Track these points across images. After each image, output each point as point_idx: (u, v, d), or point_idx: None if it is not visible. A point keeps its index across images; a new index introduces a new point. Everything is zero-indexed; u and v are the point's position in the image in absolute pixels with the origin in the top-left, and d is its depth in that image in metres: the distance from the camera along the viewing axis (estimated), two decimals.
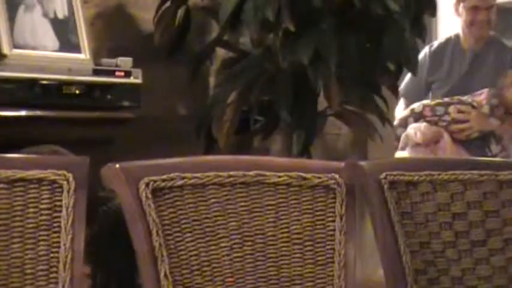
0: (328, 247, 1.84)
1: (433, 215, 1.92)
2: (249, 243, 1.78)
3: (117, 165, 1.69)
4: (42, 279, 1.61)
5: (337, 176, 1.86)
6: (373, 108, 3.08)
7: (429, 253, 1.90)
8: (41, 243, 1.61)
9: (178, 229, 1.72)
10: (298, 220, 1.82)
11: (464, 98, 3.87)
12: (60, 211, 1.62)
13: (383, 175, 1.89)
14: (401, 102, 3.95)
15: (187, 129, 3.12)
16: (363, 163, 1.92)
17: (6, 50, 2.70)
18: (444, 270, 1.91)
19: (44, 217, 1.62)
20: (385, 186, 1.88)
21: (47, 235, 1.61)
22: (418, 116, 3.86)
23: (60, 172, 1.63)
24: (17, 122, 2.68)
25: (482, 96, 3.87)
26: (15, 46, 2.72)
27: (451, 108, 3.84)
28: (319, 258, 1.83)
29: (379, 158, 2.98)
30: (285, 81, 2.99)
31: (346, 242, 1.84)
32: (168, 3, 3.14)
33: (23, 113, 2.71)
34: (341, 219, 1.85)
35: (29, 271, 1.60)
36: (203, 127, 3.08)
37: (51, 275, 1.61)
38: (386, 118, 3.11)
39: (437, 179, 1.93)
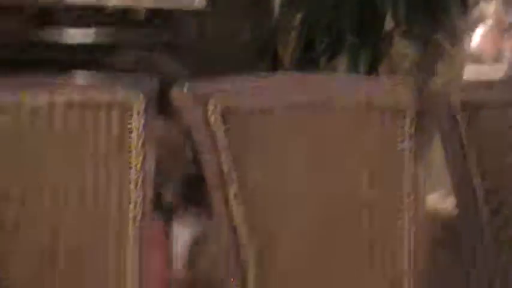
0: (397, 168, 1.82)
1: (504, 136, 1.89)
2: (318, 165, 1.77)
3: (186, 85, 1.69)
4: (115, 201, 1.63)
5: (406, 96, 1.83)
6: (442, 28, 3.02)
7: (500, 174, 1.88)
8: (112, 164, 1.63)
9: (246, 151, 1.72)
10: (366, 142, 1.81)
11: None
12: (131, 132, 1.63)
13: (453, 96, 1.86)
14: None
15: (251, 52, 3.11)
16: (432, 84, 1.89)
17: None
18: None
19: (114, 139, 1.63)
20: (456, 108, 1.85)
21: (118, 157, 1.63)
22: None
23: (129, 93, 1.63)
24: (83, 48, 2.69)
25: None
26: None
27: None
28: (388, 179, 1.82)
29: (447, 79, 2.93)
30: (351, 1, 2.95)
31: (415, 164, 1.82)
32: None
33: (89, 38, 2.72)
34: (410, 139, 1.83)
35: (102, 192, 1.62)
36: (268, 49, 3.06)
37: (124, 196, 1.63)
38: (455, 37, 3.05)
39: (509, 99, 1.89)
